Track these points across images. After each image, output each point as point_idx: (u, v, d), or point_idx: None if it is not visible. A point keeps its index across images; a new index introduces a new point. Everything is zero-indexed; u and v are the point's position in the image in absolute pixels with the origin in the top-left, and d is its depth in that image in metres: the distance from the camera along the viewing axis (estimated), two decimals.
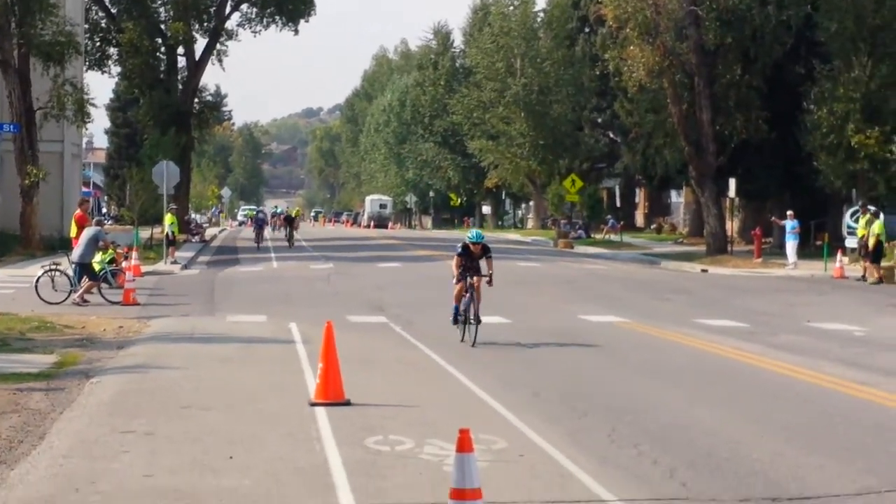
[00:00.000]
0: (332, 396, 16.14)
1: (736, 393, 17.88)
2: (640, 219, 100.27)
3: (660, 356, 22.15)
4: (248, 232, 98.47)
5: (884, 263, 43.64)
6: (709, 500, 11.65)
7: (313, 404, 16.03)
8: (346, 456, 13.06)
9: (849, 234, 49.12)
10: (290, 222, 71.21)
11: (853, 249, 47.74)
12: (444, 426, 14.57)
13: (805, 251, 52.82)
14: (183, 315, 28.75)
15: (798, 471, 12.88)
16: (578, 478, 12.37)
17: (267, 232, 78.82)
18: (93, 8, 77.51)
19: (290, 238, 68.49)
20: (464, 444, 9.52)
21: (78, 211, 40.21)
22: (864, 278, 43.50)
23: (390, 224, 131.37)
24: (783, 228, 51.17)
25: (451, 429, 13.73)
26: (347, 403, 16.07)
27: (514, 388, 17.98)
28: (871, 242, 43.09)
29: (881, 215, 44.85)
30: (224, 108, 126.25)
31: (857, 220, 46.91)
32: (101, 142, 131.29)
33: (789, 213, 50.88)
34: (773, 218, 55.01)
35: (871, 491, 12.08)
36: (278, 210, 78.83)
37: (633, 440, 14.16)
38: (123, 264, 35.91)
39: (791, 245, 49.77)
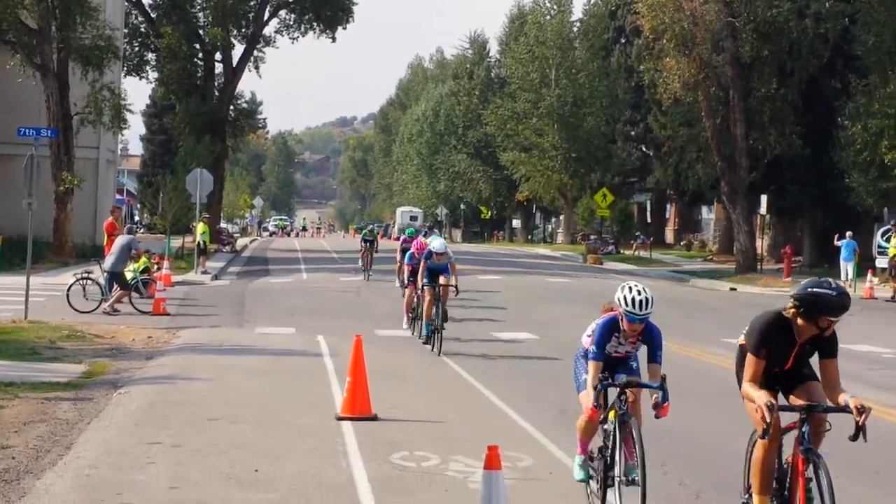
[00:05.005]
0: (359, 411, 16.17)
1: None
2: (669, 235, 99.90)
3: (689, 375, 22.03)
4: (281, 242, 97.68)
5: None
6: None
7: (340, 418, 16.07)
8: (372, 472, 13.06)
9: (879, 253, 48.53)
10: (370, 245, 48.17)
11: (883, 269, 47.32)
12: (469, 442, 14.57)
13: (833, 271, 51.09)
14: (212, 326, 28.85)
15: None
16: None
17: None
18: (132, 12, 77.95)
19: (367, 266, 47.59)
20: (492, 462, 9.50)
21: (109, 219, 40.29)
22: (893, 299, 43.15)
23: None
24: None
25: (477, 445, 13.77)
26: (374, 418, 16.10)
27: (541, 405, 17.96)
28: None
29: None
30: (259, 116, 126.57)
31: (888, 240, 46.45)
32: (136, 148, 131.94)
33: (849, 233, 48.93)
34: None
35: None
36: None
37: (660, 460, 14.10)
38: (154, 274, 36.03)
39: (844, 265, 47.88)
